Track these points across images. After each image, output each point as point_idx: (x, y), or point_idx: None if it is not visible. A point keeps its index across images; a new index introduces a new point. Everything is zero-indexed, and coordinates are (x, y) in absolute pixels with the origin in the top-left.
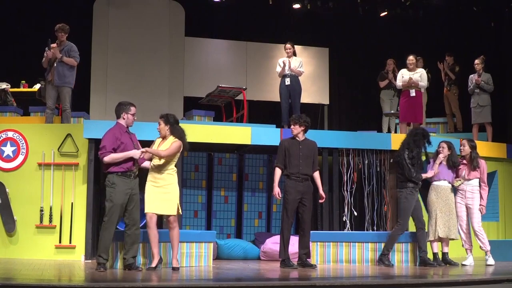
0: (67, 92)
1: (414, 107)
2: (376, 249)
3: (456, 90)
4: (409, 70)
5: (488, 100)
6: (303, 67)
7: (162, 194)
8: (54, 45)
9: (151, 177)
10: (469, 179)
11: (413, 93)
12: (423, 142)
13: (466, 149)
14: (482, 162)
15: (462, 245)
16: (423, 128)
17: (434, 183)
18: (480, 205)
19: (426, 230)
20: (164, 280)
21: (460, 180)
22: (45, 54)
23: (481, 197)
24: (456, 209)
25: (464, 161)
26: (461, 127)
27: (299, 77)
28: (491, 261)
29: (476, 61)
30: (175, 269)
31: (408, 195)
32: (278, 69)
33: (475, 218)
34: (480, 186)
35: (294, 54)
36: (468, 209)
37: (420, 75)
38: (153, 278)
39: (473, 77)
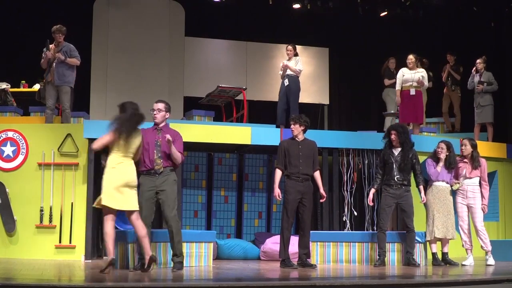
0: (67, 91)
1: (415, 107)
2: (376, 249)
3: (460, 91)
4: (410, 69)
5: (489, 100)
6: (300, 64)
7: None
8: (52, 46)
9: None
10: (470, 178)
11: (413, 91)
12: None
13: (468, 148)
14: (483, 161)
15: (462, 245)
16: (397, 125)
17: (432, 183)
18: (482, 204)
19: (424, 231)
20: (164, 280)
21: (458, 183)
22: (43, 55)
23: (482, 196)
24: (457, 209)
25: (465, 160)
26: (459, 127)
27: (299, 77)
28: (491, 261)
29: (478, 61)
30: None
31: (383, 194)
32: (280, 72)
33: (477, 217)
34: (481, 185)
35: (296, 55)
36: (470, 208)
37: (422, 75)
38: (153, 278)
39: (475, 74)
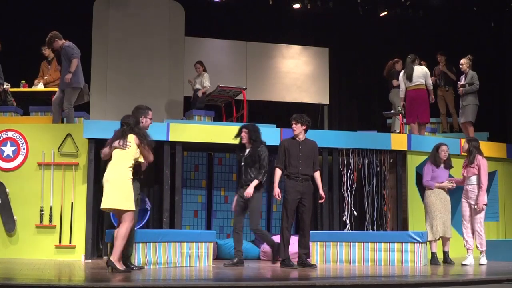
0: (69, 92)
1: None
2: (376, 249)
3: (454, 90)
4: None
5: (471, 100)
6: (207, 81)
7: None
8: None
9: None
10: (469, 176)
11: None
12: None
13: (465, 146)
14: (482, 161)
15: (464, 245)
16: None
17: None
18: (475, 203)
19: (423, 231)
20: (164, 280)
21: (448, 182)
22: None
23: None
24: (461, 208)
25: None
26: (457, 127)
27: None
28: (483, 260)
29: (462, 61)
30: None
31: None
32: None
33: (476, 217)
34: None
35: (205, 71)
36: (471, 207)
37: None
38: (153, 278)
39: (462, 78)
